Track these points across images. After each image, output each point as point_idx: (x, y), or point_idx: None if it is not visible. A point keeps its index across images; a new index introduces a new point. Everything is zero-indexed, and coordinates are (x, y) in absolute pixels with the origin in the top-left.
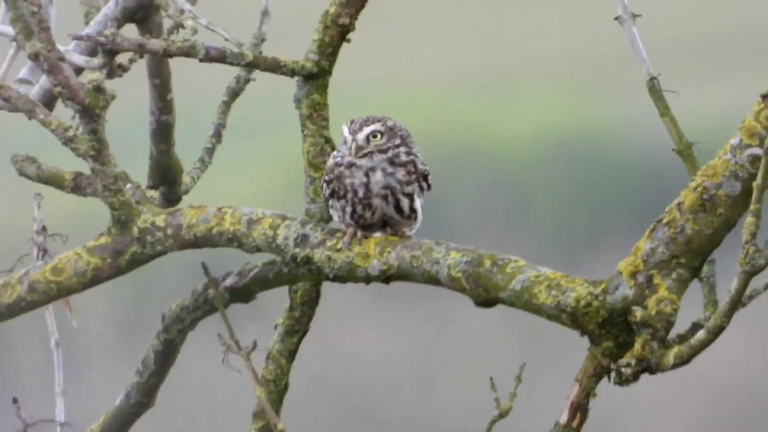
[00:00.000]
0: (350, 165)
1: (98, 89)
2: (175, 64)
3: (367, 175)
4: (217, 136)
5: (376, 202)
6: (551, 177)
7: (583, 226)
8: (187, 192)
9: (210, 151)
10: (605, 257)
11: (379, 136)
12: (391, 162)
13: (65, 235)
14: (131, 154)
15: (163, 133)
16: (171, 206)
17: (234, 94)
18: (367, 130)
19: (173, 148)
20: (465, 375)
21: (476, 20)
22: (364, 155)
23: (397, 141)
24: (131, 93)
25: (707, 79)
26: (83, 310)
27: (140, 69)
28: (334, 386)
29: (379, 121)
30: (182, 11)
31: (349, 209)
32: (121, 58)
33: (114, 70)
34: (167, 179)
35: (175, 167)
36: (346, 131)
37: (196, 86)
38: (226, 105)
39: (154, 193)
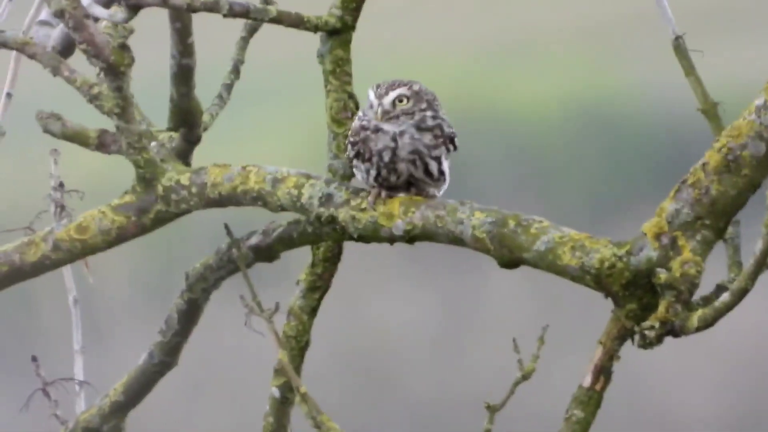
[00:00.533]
0: (376, 129)
1: (123, 47)
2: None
3: (394, 140)
4: (236, 72)
5: (402, 166)
6: (575, 141)
7: (607, 190)
8: (206, 129)
9: (228, 88)
10: (630, 221)
11: (405, 100)
12: (418, 127)
13: (82, 191)
14: (152, 98)
15: (183, 76)
16: (191, 147)
17: (252, 30)
18: (393, 94)
19: (193, 91)
20: (489, 337)
21: None
22: (390, 119)
23: (423, 105)
24: (154, 38)
25: (731, 40)
26: (106, 269)
27: (162, 13)
28: (356, 349)
29: (405, 85)
30: None
31: (373, 172)
32: None
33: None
34: (187, 122)
35: (195, 110)
36: (371, 95)
37: (217, 30)
38: (244, 41)
39: (175, 135)
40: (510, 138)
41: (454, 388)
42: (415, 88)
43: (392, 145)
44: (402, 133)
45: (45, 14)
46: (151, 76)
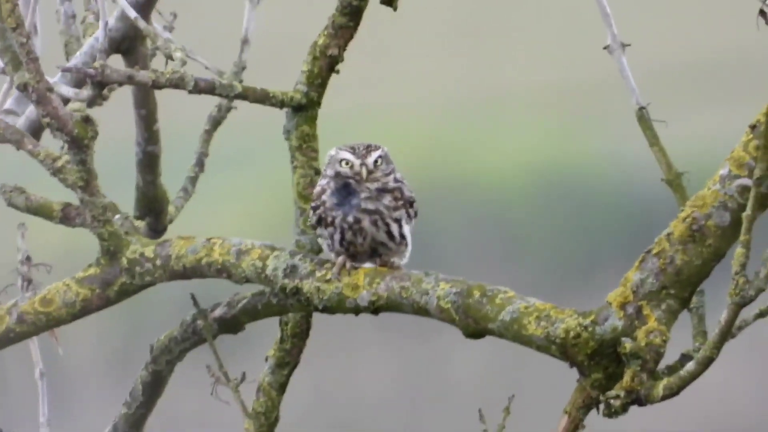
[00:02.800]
0: (348, 193)
1: (87, 120)
2: (162, 94)
3: (367, 200)
4: (200, 164)
5: (366, 224)
6: (540, 207)
7: (573, 256)
8: (171, 221)
9: (193, 180)
10: (596, 288)
11: (380, 161)
12: (380, 189)
13: (50, 264)
14: (118, 185)
15: (149, 163)
16: (157, 236)
17: (216, 122)
18: (374, 154)
19: (159, 178)
20: (456, 406)
21: (462, 50)
22: (373, 180)
23: (392, 166)
24: (118, 124)
25: (696, 109)
26: (71, 341)
27: (126, 100)
28: (324, 418)
29: (378, 147)
30: (165, 40)
31: (337, 236)
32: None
33: (95, 99)
34: (153, 209)
35: (162, 197)
36: (348, 155)
37: (182, 116)
38: (208, 134)
39: (140, 224)
40: (475, 204)
41: None
42: (386, 150)
43: (335, 201)
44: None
45: (11, 103)
46: (116, 163)
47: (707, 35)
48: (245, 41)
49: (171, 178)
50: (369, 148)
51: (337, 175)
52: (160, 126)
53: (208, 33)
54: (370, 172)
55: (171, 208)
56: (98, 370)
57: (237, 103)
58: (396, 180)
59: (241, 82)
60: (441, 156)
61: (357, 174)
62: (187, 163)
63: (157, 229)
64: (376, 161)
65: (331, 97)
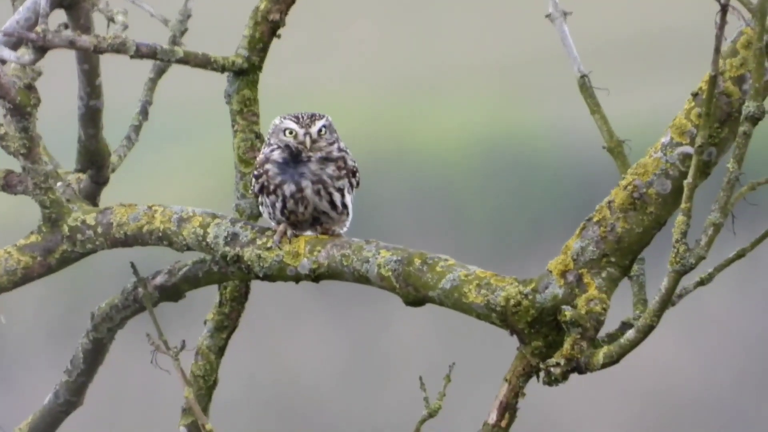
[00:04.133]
0: (296, 159)
1: (29, 87)
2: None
3: (310, 169)
4: (144, 113)
5: (309, 193)
6: (484, 179)
7: (515, 228)
8: (114, 170)
9: (137, 129)
10: (539, 259)
11: (324, 130)
12: (324, 158)
13: None
14: (60, 139)
15: (91, 117)
16: (99, 188)
17: (160, 71)
18: (318, 123)
19: (101, 132)
20: (398, 375)
21: (404, 22)
22: (316, 149)
23: (336, 136)
24: (60, 77)
25: (637, 80)
26: (12, 310)
27: (69, 54)
28: (265, 386)
29: (322, 116)
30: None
31: (279, 204)
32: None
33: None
34: (95, 163)
35: (103, 151)
36: (292, 125)
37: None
38: (152, 82)
39: (82, 176)
40: (417, 175)
41: (362, 425)
42: (330, 119)
43: (278, 171)
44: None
45: None
46: (59, 117)
47: (650, 7)
48: None
49: (112, 133)
50: (313, 118)
51: (283, 145)
52: (102, 81)
53: None
54: (314, 141)
55: (114, 158)
56: (39, 338)
57: (181, 70)
58: (339, 149)
59: (185, 31)
60: (384, 127)
61: (301, 143)
62: (127, 119)
63: (98, 182)
64: (320, 130)
65: (275, 67)
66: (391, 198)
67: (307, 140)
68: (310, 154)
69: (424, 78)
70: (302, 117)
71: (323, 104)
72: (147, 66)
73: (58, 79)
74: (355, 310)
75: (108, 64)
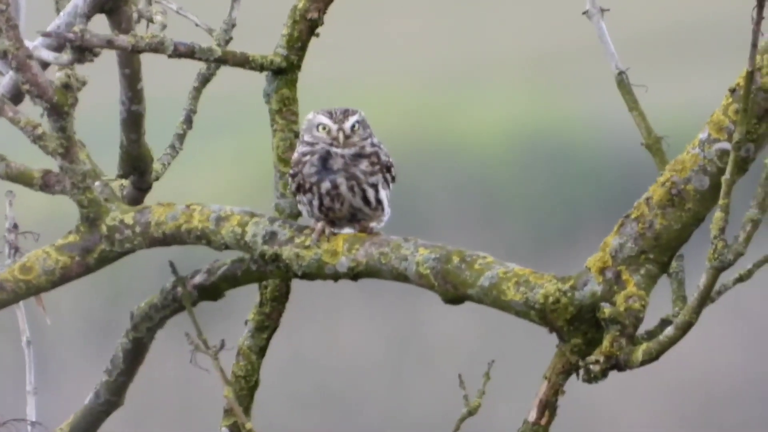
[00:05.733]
0: (326, 156)
1: (66, 87)
2: (147, 54)
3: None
4: (188, 122)
5: (344, 189)
6: (522, 172)
7: (554, 221)
8: (157, 179)
9: (181, 138)
10: (577, 252)
11: (357, 126)
12: (357, 153)
13: (37, 232)
14: (103, 144)
15: (133, 122)
16: (142, 195)
17: (205, 79)
18: (352, 119)
19: (143, 137)
20: (437, 371)
21: (445, 16)
22: (349, 145)
23: (369, 131)
24: (103, 83)
25: (675, 74)
26: (55, 309)
27: (111, 59)
28: (305, 381)
29: (356, 112)
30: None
31: (316, 202)
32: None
33: (84, 56)
34: (137, 168)
35: (146, 156)
36: (325, 119)
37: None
38: (197, 91)
39: (125, 182)
40: (456, 169)
41: (403, 422)
42: (363, 114)
43: (314, 169)
44: (331, 156)
45: None
46: (101, 122)
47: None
48: None
49: (155, 138)
50: (346, 113)
51: (315, 140)
52: (144, 85)
53: None
54: (347, 137)
55: (157, 165)
56: (79, 338)
57: (226, 68)
58: (372, 144)
59: (230, 40)
60: (423, 121)
61: (335, 139)
62: (171, 123)
63: (141, 188)
64: (353, 126)
65: (313, 62)
66: (429, 191)
67: (341, 136)
68: (345, 150)
69: (462, 72)
70: (335, 112)
71: (361, 99)
72: (189, 68)
73: (100, 84)
74: (394, 306)
75: (149, 67)
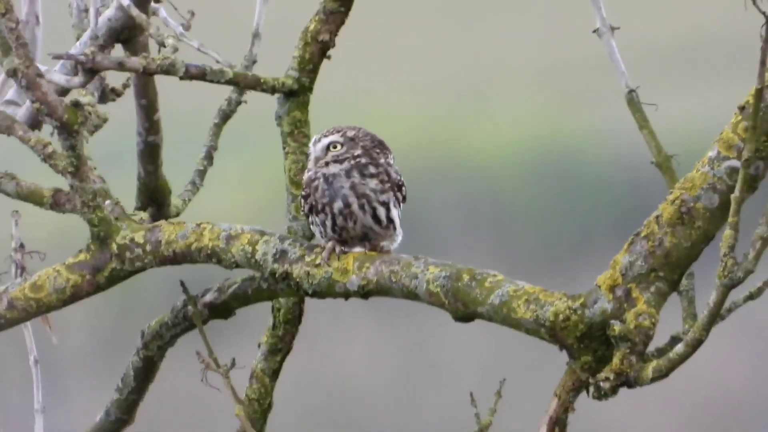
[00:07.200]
0: (316, 177)
1: (76, 105)
2: (164, 84)
3: (330, 182)
4: (209, 158)
5: (355, 208)
6: (531, 188)
7: (563, 237)
8: (178, 214)
9: (201, 174)
10: (587, 269)
11: (339, 146)
12: (362, 173)
13: (43, 252)
14: (120, 175)
15: (150, 153)
16: None
17: (225, 116)
18: (325, 141)
19: (161, 168)
20: (448, 389)
21: (455, 31)
22: (322, 165)
23: (358, 151)
24: (120, 113)
25: (685, 90)
26: (63, 327)
27: (127, 90)
28: (316, 397)
29: (339, 131)
30: (159, 29)
31: (329, 222)
32: (115, 82)
33: (107, 95)
34: (155, 200)
35: (163, 188)
36: (311, 142)
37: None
38: (218, 127)
39: (144, 215)
40: (466, 184)
41: None
42: (350, 134)
43: (325, 187)
44: (334, 177)
45: (12, 93)
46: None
47: (696, 16)
48: (256, 35)
49: (172, 167)
50: (325, 134)
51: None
52: (160, 116)
53: (221, 27)
54: (316, 158)
55: (178, 201)
56: (90, 356)
57: (246, 95)
58: (377, 165)
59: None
60: (433, 137)
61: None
62: (187, 151)
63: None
64: (327, 146)
65: (323, 79)
66: (439, 206)
67: (312, 157)
68: (321, 171)
69: (472, 86)
70: (318, 134)
71: (370, 114)
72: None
73: (116, 116)
74: (405, 322)
75: (165, 98)
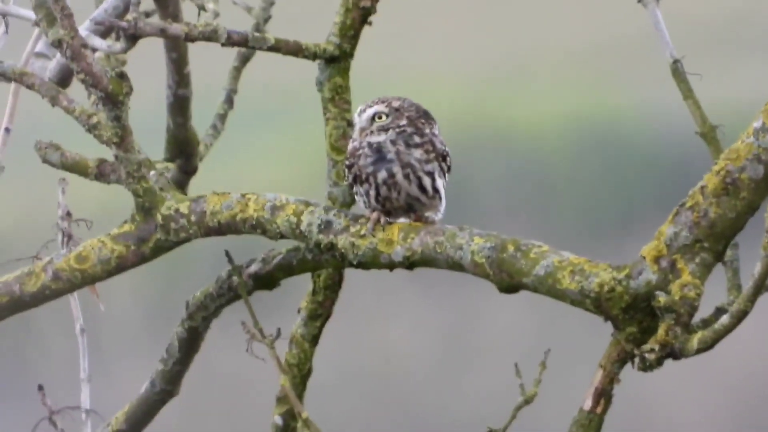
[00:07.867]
0: (362, 146)
1: (121, 76)
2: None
3: (375, 151)
4: (229, 101)
5: (399, 178)
6: (575, 162)
7: (608, 210)
8: (201, 159)
9: (222, 118)
10: (631, 242)
11: (384, 117)
12: (407, 143)
13: (90, 220)
14: (148, 129)
15: (180, 106)
16: (187, 178)
17: (244, 59)
18: (370, 111)
19: (190, 121)
20: (491, 359)
21: (498, 6)
22: (367, 135)
23: (403, 121)
24: (149, 67)
25: (731, 61)
26: (109, 297)
27: (158, 42)
28: (359, 372)
29: (384, 102)
30: None
31: (373, 192)
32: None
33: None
34: (184, 152)
35: (192, 140)
36: (355, 113)
37: (213, 62)
38: (237, 70)
39: (170, 165)
40: (510, 159)
41: (457, 412)
42: (395, 104)
43: (369, 155)
44: (379, 146)
45: (41, 46)
46: (148, 106)
47: None
48: None
49: (200, 123)
50: (370, 104)
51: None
52: (190, 69)
53: None
54: (362, 129)
55: (201, 147)
56: (135, 327)
57: (271, 54)
58: (422, 134)
59: (269, 18)
60: (475, 112)
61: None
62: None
63: (187, 171)
64: (372, 117)
65: (366, 51)
66: (483, 181)
67: (357, 128)
68: (366, 140)
69: (515, 62)
70: (364, 104)
71: (414, 89)
72: (231, 53)
73: (146, 68)
74: (449, 296)
75: (194, 52)
